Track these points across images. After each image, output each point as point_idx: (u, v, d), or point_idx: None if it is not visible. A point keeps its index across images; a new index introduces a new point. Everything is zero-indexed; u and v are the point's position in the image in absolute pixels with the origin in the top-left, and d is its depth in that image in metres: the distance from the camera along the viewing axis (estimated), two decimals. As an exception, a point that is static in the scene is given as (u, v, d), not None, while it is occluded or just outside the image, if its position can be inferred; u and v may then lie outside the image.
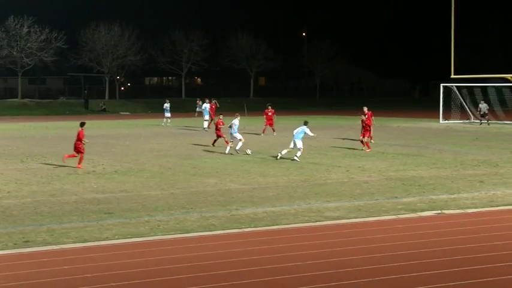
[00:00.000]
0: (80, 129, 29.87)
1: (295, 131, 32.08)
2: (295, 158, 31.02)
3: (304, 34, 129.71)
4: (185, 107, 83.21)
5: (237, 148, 34.49)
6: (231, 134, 35.21)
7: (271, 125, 48.47)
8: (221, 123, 37.01)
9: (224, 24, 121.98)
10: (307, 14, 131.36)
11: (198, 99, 65.08)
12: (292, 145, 31.89)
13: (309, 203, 20.78)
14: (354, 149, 36.42)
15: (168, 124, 59.37)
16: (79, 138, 29.68)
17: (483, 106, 58.85)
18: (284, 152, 31.86)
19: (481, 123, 57.52)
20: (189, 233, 16.99)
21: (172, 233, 17.00)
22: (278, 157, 31.83)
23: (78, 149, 29.60)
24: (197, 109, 63.85)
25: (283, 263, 14.26)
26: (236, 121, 35.61)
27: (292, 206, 20.30)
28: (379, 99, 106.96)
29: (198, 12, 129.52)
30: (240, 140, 34.69)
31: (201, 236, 16.74)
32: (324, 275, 13.42)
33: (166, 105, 61.42)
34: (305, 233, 16.97)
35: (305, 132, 32.06)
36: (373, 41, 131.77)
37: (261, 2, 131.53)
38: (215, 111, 53.03)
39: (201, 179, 25.95)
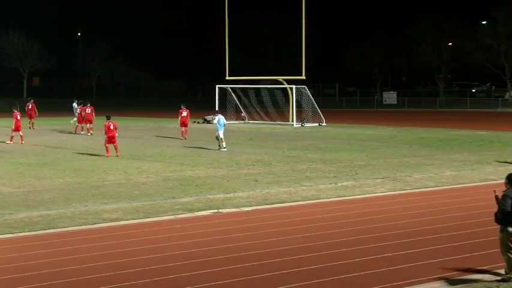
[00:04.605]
0: None
1: None
2: None
3: (79, 34, 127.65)
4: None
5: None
6: None
7: (185, 125, 42.94)
8: None
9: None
10: (82, 14, 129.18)
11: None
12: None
13: (86, 205, 20.50)
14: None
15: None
16: None
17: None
18: None
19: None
20: (-41, 240, 16.25)
21: None
22: None
23: None
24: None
25: (60, 267, 13.99)
26: None
27: (69, 209, 19.93)
28: (157, 100, 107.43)
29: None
30: None
31: (-28, 243, 16.04)
32: (102, 277, 13.31)
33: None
34: (82, 236, 16.74)
35: None
36: (150, 43, 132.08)
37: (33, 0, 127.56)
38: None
39: (-29, 183, 24.85)
